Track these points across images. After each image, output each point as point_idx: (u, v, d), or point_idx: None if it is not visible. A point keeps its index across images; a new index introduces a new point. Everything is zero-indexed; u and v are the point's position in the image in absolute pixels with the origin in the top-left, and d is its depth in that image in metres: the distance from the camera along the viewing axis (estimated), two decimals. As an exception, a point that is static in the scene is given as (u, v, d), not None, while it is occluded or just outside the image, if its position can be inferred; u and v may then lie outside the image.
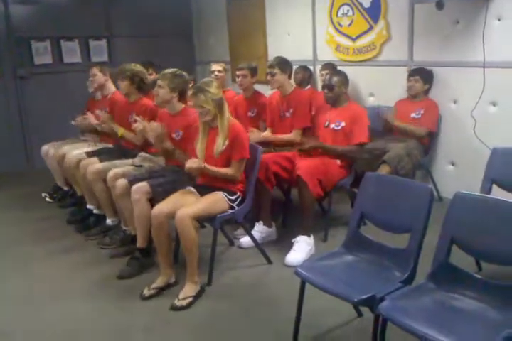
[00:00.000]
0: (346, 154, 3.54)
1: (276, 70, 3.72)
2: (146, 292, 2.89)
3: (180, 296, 2.76)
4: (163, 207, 2.88)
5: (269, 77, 3.77)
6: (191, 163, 2.86)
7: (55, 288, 3.06)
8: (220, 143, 2.97)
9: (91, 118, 4.19)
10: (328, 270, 2.27)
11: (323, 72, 4.60)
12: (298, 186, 3.33)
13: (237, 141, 2.98)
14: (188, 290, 2.80)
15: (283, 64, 3.76)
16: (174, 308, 2.72)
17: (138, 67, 3.82)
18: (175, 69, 3.34)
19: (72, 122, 4.41)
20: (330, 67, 4.62)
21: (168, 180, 3.21)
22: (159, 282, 2.94)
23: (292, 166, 3.46)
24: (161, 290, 2.91)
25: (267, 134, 3.97)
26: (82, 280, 3.14)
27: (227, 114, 3.01)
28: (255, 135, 3.82)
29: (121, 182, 3.26)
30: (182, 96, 3.31)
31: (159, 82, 3.27)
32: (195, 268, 2.84)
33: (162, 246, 2.92)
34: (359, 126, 3.51)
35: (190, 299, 2.77)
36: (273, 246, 3.44)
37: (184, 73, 3.35)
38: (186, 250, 2.82)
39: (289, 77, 3.83)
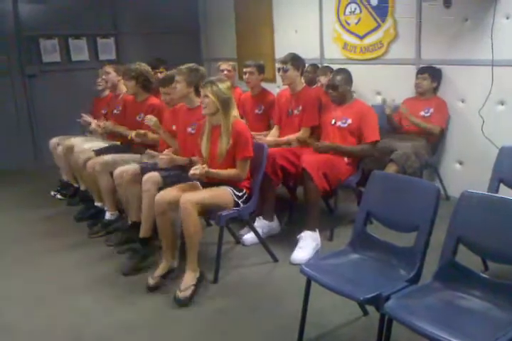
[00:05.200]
0: (360, 153, 3.55)
1: (289, 66, 3.66)
2: (151, 281, 2.92)
3: (182, 287, 2.78)
4: (166, 194, 2.90)
5: (281, 73, 3.72)
6: (194, 170, 2.85)
7: (60, 284, 3.09)
8: (224, 144, 2.96)
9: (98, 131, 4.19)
10: (333, 268, 2.27)
11: (321, 78, 4.46)
12: (303, 179, 3.32)
13: (240, 140, 2.97)
14: (188, 279, 2.82)
15: (296, 60, 3.71)
16: (178, 301, 2.74)
17: (143, 66, 3.83)
18: (191, 64, 3.35)
19: (79, 120, 4.44)
20: (326, 71, 4.51)
21: (176, 174, 3.22)
22: (161, 269, 2.97)
23: (299, 161, 3.45)
24: (165, 278, 2.95)
25: (275, 138, 3.93)
26: (87, 276, 3.15)
27: (233, 115, 3.00)
28: (264, 141, 3.80)
29: (132, 167, 3.27)
30: (198, 91, 3.31)
31: (176, 77, 3.28)
32: (196, 256, 2.85)
33: (165, 232, 2.95)
34: (368, 125, 3.52)
35: (192, 288, 2.78)
36: (279, 243, 3.45)
37: (200, 67, 3.36)
38: (187, 235, 2.82)
39: (301, 75, 3.81)
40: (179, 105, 3.50)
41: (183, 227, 2.84)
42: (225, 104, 2.95)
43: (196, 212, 2.78)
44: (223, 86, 2.95)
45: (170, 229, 2.95)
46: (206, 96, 2.94)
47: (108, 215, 3.79)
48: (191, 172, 2.85)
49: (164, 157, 3.16)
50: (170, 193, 2.90)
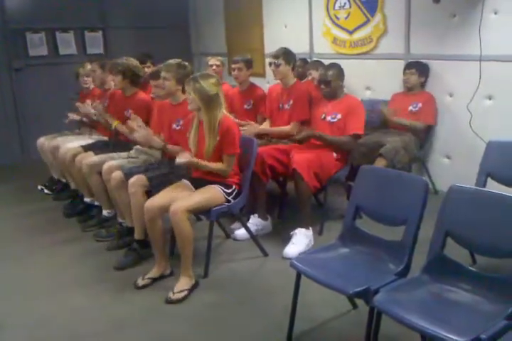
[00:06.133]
0: (340, 144, 3.51)
1: (281, 61, 3.64)
2: (140, 281, 2.91)
3: (175, 290, 2.78)
4: (155, 200, 2.88)
5: (272, 68, 3.71)
6: (180, 159, 2.83)
7: (50, 280, 3.07)
8: (210, 141, 2.94)
9: (87, 107, 4.15)
10: (323, 262, 2.28)
11: (312, 71, 4.47)
12: (294, 179, 3.33)
13: (227, 136, 2.94)
14: (183, 283, 2.82)
15: (288, 55, 3.69)
16: (169, 302, 2.74)
17: (130, 61, 3.78)
18: (179, 60, 3.30)
19: (66, 121, 4.43)
20: (317, 66, 4.52)
21: (164, 173, 3.22)
22: (154, 273, 2.96)
23: (288, 159, 3.46)
24: (154, 281, 2.94)
25: (264, 126, 3.95)
26: (78, 272, 3.14)
27: (219, 111, 2.95)
28: (253, 127, 3.82)
29: (117, 174, 3.26)
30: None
31: (164, 74, 3.24)
32: (190, 262, 2.85)
33: (156, 238, 2.94)
34: (354, 118, 3.52)
35: (185, 292, 2.78)
36: (269, 238, 3.46)
37: (187, 63, 3.33)
38: (180, 244, 2.82)
39: (293, 69, 3.80)
40: (164, 101, 3.48)
41: (176, 236, 2.83)
42: (207, 101, 2.89)
43: (187, 218, 2.77)
44: (206, 83, 2.88)
45: (160, 235, 2.92)
46: (188, 93, 2.92)
47: (105, 213, 3.77)
48: (177, 160, 2.81)
49: (143, 131, 3.11)
50: (159, 199, 2.88)
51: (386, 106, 4.12)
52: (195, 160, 2.89)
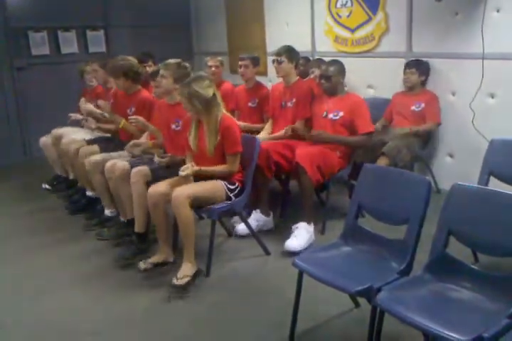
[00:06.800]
0: (355, 145, 3.56)
1: (283, 58, 3.66)
2: (142, 265, 2.94)
3: (178, 275, 2.79)
4: (159, 186, 2.92)
5: (275, 65, 3.71)
6: (183, 172, 2.86)
7: (51, 279, 3.08)
8: (211, 141, 2.96)
9: (91, 124, 4.17)
10: (325, 261, 2.28)
11: (314, 69, 4.46)
12: (297, 173, 3.33)
13: (229, 135, 2.96)
14: (186, 269, 2.83)
15: (291, 52, 3.70)
16: (173, 286, 2.75)
17: (128, 60, 3.77)
18: (178, 60, 3.32)
19: (68, 121, 4.45)
20: (319, 64, 4.52)
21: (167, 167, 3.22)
22: (156, 258, 2.99)
23: (293, 155, 3.45)
24: (157, 266, 2.97)
25: (267, 128, 3.92)
26: (79, 270, 3.15)
27: (218, 111, 2.97)
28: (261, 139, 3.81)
29: (122, 165, 3.27)
30: None
31: (162, 71, 3.25)
32: (192, 248, 2.86)
33: (159, 224, 2.97)
34: (361, 116, 3.53)
35: (188, 278, 2.79)
36: (271, 236, 3.46)
37: (187, 64, 3.34)
38: (182, 230, 2.84)
39: (296, 67, 3.80)
40: (161, 101, 3.48)
41: (178, 221, 2.85)
42: (206, 105, 2.92)
43: (188, 204, 2.79)
44: (199, 86, 2.90)
45: (164, 220, 2.97)
46: (184, 100, 2.93)
47: (107, 212, 3.78)
48: (181, 173, 2.86)
49: (164, 160, 3.15)
50: (162, 185, 2.92)
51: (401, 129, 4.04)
52: (197, 168, 2.90)
